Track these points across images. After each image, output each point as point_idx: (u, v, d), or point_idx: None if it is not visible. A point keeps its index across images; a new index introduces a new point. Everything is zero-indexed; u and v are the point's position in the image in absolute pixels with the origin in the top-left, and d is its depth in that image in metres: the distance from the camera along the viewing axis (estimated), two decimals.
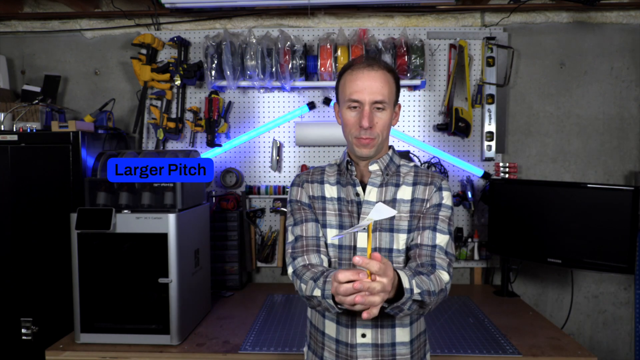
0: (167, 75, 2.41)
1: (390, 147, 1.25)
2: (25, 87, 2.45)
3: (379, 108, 1.13)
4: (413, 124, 2.47)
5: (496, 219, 2.27)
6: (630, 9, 2.42)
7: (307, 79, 2.38)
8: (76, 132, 2.04)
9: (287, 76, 2.29)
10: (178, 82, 2.41)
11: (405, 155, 2.36)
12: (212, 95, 2.41)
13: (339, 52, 2.28)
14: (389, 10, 2.45)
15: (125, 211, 1.72)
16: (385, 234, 1.16)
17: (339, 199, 1.20)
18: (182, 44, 2.42)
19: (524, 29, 2.47)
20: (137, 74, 2.41)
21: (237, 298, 2.26)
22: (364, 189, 1.19)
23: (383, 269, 0.85)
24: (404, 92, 2.46)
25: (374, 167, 1.19)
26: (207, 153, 2.46)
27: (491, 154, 2.42)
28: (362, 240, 1.15)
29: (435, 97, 2.46)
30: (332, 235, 1.19)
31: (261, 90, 2.48)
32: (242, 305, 2.15)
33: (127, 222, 1.70)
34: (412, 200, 1.18)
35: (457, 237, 2.41)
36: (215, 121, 2.39)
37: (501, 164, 2.43)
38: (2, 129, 2.10)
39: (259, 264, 2.52)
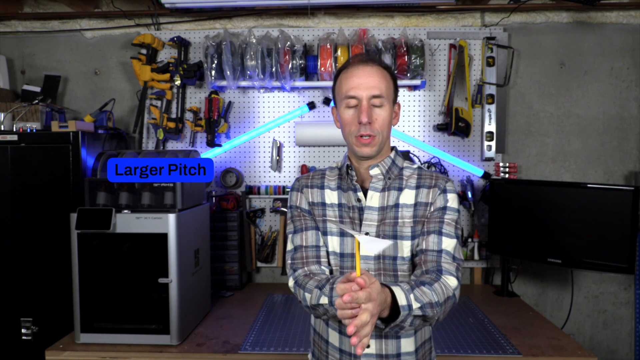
0: (167, 75, 2.41)
1: (393, 148, 1.21)
2: (25, 87, 2.45)
3: (376, 105, 1.10)
4: (413, 124, 2.47)
5: (496, 219, 2.27)
6: (630, 9, 2.42)
7: (307, 79, 2.38)
8: (76, 132, 2.04)
9: (287, 76, 2.29)
10: (178, 82, 2.41)
11: (405, 155, 2.36)
12: (212, 95, 2.41)
13: (339, 52, 2.28)
14: (389, 10, 2.45)
15: (125, 211, 1.72)
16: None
17: (339, 205, 1.17)
18: (182, 44, 2.42)
19: (524, 29, 2.47)
20: (137, 74, 2.41)
21: (237, 298, 2.26)
22: (365, 194, 1.15)
23: (367, 296, 0.80)
24: (403, 92, 2.46)
25: (375, 172, 1.15)
26: (207, 153, 2.46)
27: (491, 154, 2.42)
28: (363, 250, 1.13)
29: (435, 97, 2.46)
30: (333, 243, 1.16)
31: (261, 90, 2.48)
32: (242, 305, 2.15)
33: (127, 222, 1.70)
34: (416, 205, 1.13)
35: None
36: (215, 121, 2.39)
37: (501, 164, 2.43)
38: (2, 129, 2.10)
39: (259, 264, 2.52)
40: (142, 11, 2.47)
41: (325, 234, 1.17)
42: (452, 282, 1.05)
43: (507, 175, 2.42)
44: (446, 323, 1.90)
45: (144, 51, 2.41)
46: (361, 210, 1.14)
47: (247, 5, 2.34)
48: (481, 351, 1.64)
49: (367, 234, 1.11)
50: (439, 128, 2.42)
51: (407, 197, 1.14)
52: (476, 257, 2.44)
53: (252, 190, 2.48)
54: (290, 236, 1.21)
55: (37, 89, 2.43)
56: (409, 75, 2.30)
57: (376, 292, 0.83)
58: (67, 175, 2.03)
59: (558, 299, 2.51)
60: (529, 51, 2.47)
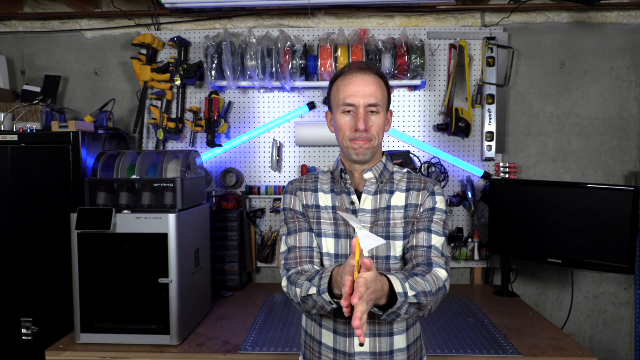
0: (167, 75, 2.41)
1: (383, 153, 1.25)
2: (25, 87, 2.45)
3: (373, 111, 1.14)
4: (413, 124, 2.47)
5: (496, 219, 2.27)
6: (630, 9, 2.42)
7: (307, 79, 2.38)
8: (76, 132, 2.04)
9: (287, 76, 2.29)
10: (178, 82, 2.41)
11: (406, 155, 2.36)
12: (212, 95, 2.41)
13: (339, 52, 2.28)
14: (389, 10, 2.45)
15: (125, 211, 1.72)
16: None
17: (333, 207, 1.20)
18: (182, 44, 2.42)
19: (524, 29, 2.47)
20: (137, 74, 2.41)
21: (237, 298, 2.26)
22: (358, 197, 1.19)
23: (364, 283, 0.84)
24: (404, 92, 2.46)
25: (368, 175, 1.19)
26: (207, 153, 2.46)
27: (491, 154, 2.42)
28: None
29: (435, 97, 2.46)
30: (327, 245, 1.18)
31: (261, 90, 2.48)
32: (242, 305, 2.15)
33: (127, 222, 1.70)
34: (406, 206, 1.18)
35: (457, 237, 2.41)
36: (215, 121, 2.39)
37: (501, 164, 2.43)
38: (2, 129, 2.10)
39: (259, 264, 2.52)
40: (142, 11, 2.47)
41: (319, 235, 1.19)
42: (442, 274, 1.09)
43: (507, 175, 2.42)
44: (446, 323, 1.90)
45: (144, 51, 2.41)
46: (354, 212, 1.18)
47: (247, 5, 2.34)
48: (481, 351, 1.64)
49: None
50: (439, 128, 2.42)
51: (398, 199, 1.19)
52: (476, 257, 2.44)
53: (252, 190, 2.48)
54: (283, 238, 1.23)
55: (37, 89, 2.43)
56: (409, 75, 2.30)
57: (371, 280, 0.86)
58: (67, 175, 2.03)
59: (558, 299, 2.51)
60: (529, 51, 2.47)
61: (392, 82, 2.34)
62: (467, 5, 2.41)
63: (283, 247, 1.22)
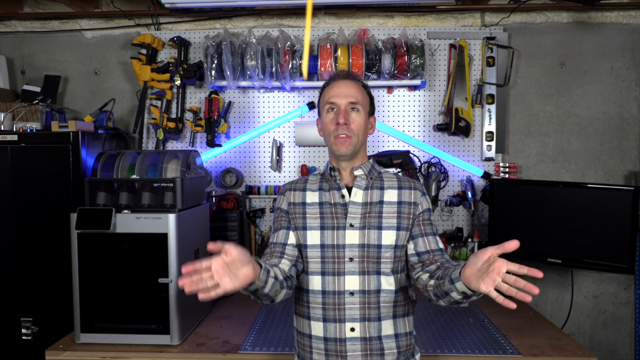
0: (167, 75, 2.41)
1: (370, 157, 1.37)
2: (25, 87, 2.45)
3: (353, 109, 1.27)
4: (413, 124, 2.47)
5: (496, 219, 2.26)
6: (630, 9, 2.42)
7: (307, 79, 2.38)
8: (76, 132, 2.04)
9: (287, 76, 2.30)
10: (178, 82, 2.41)
11: (406, 155, 2.36)
12: (212, 95, 2.41)
13: (339, 52, 2.28)
14: (389, 10, 2.45)
15: (125, 211, 1.72)
16: (373, 232, 1.24)
17: (320, 204, 1.29)
18: (182, 44, 2.42)
19: (524, 29, 2.47)
20: (137, 74, 2.41)
21: (237, 298, 2.26)
22: (349, 192, 1.28)
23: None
24: (404, 92, 2.46)
25: (358, 172, 1.30)
26: (207, 153, 2.46)
27: (491, 154, 2.42)
28: (349, 238, 1.24)
29: (435, 97, 2.46)
30: (313, 237, 1.26)
31: (261, 90, 2.48)
32: (242, 305, 2.15)
33: (127, 222, 1.70)
34: (399, 203, 1.28)
35: (457, 237, 2.41)
36: (215, 121, 2.39)
37: (501, 164, 2.43)
38: (2, 129, 2.10)
39: None
40: (142, 11, 2.47)
41: (305, 229, 1.28)
42: None
43: (507, 175, 2.42)
44: (446, 323, 1.90)
45: (144, 51, 2.41)
46: (345, 205, 1.27)
47: (247, 5, 2.34)
48: (481, 351, 1.64)
49: (351, 225, 1.24)
50: (439, 128, 2.42)
51: (390, 195, 1.29)
52: None
53: (252, 190, 2.48)
54: (270, 235, 1.36)
55: (37, 89, 2.43)
56: (409, 75, 2.30)
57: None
58: (67, 175, 2.03)
59: (558, 299, 2.51)
60: (529, 51, 2.47)
61: (392, 82, 2.34)
62: (467, 5, 2.41)
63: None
